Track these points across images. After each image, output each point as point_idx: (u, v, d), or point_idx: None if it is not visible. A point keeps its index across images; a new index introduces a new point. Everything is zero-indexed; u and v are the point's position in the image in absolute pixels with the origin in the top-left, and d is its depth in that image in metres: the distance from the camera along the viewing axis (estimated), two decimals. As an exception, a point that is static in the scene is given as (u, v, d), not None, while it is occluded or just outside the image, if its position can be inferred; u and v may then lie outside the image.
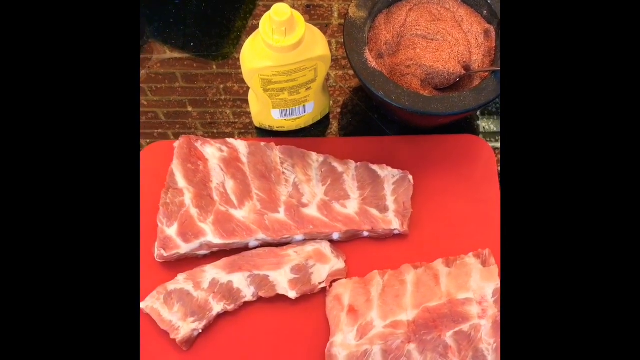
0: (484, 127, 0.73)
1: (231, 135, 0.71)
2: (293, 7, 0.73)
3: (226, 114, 0.72)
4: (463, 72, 0.65)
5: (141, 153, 0.68)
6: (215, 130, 0.72)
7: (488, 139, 0.72)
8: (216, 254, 0.64)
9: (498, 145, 0.72)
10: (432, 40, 0.65)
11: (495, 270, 0.61)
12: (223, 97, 0.73)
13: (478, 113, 0.74)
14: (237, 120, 0.72)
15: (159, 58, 0.75)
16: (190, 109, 0.73)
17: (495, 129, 0.73)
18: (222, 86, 0.74)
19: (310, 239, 0.64)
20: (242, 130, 0.72)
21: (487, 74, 0.64)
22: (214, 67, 0.75)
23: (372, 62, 0.63)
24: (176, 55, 0.75)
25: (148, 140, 0.71)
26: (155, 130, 0.71)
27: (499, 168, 0.70)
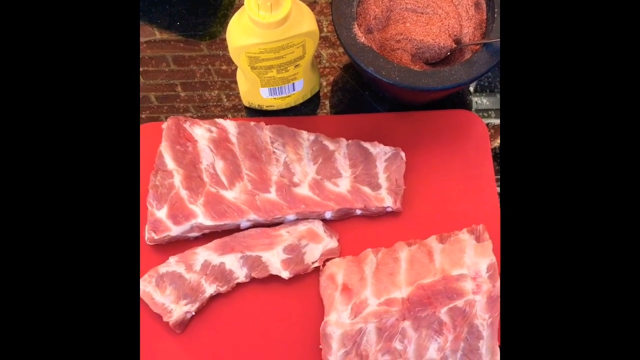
0: (476, 102, 0.72)
1: (220, 116, 0.70)
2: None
3: (215, 94, 0.71)
4: (454, 45, 0.64)
5: (129, 135, 0.67)
6: (204, 111, 0.71)
7: (481, 115, 0.71)
8: (207, 236, 0.63)
9: (491, 120, 0.71)
10: (422, 13, 0.64)
11: (489, 245, 0.61)
12: (211, 77, 0.72)
13: (471, 88, 0.73)
14: (226, 100, 0.71)
15: (145, 39, 0.73)
16: (178, 89, 0.71)
17: (488, 104, 0.72)
18: (210, 66, 0.73)
19: (302, 218, 0.63)
20: (232, 110, 0.71)
21: (478, 46, 0.63)
22: (202, 46, 0.73)
23: (361, 38, 0.61)
24: (162, 35, 0.74)
25: (136, 123, 0.70)
26: (144, 113, 0.70)
27: (493, 143, 0.69)
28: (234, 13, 0.72)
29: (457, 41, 0.65)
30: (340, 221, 0.64)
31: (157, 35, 0.74)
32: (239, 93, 0.70)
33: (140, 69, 0.72)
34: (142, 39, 0.73)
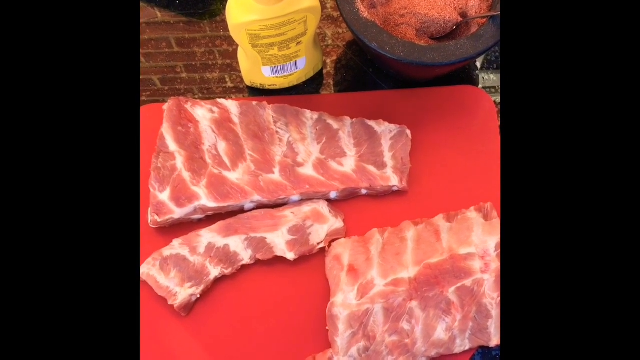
0: (483, 78, 0.70)
1: (222, 96, 0.69)
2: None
3: (216, 74, 0.70)
4: (460, 19, 0.62)
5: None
6: (205, 91, 0.69)
7: (488, 91, 0.70)
8: (211, 218, 0.62)
9: (499, 97, 0.70)
10: (427, -14, 0.62)
11: (497, 223, 0.60)
12: (212, 57, 0.71)
13: (477, 64, 0.71)
14: (227, 80, 0.70)
15: (145, 20, 0.72)
16: (178, 70, 0.70)
17: (495, 79, 0.70)
18: (211, 45, 0.71)
19: (307, 199, 0.62)
20: (234, 91, 0.69)
21: (484, 20, 0.61)
22: (202, 26, 0.72)
23: (365, 12, 0.60)
24: (162, 15, 0.72)
25: (137, 105, 0.69)
26: (145, 95, 0.69)
27: (500, 120, 0.68)
28: (233, -10, 0.70)
29: (463, 14, 0.63)
30: (346, 201, 0.63)
31: (158, 15, 0.72)
32: (240, 73, 0.69)
33: (141, 51, 0.71)
34: (141, 20, 0.72)
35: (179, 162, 0.61)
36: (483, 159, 0.65)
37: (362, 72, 0.70)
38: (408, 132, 0.64)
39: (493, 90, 0.70)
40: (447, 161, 0.65)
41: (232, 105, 0.64)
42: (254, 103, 0.64)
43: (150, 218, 0.60)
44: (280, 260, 0.60)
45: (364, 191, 0.63)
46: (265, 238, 0.60)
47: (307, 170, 0.62)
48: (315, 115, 0.64)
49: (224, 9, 0.73)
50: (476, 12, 0.62)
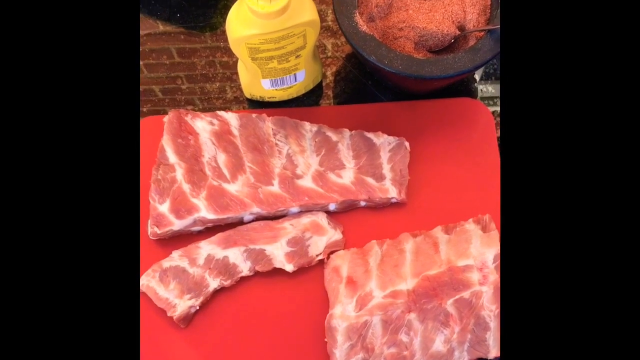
0: (481, 90, 0.71)
1: (222, 108, 0.69)
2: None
3: (216, 87, 0.71)
4: (458, 32, 0.63)
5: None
6: (205, 103, 0.70)
7: (487, 103, 0.70)
8: (211, 230, 0.62)
9: (497, 109, 0.70)
10: (425, 0, 0.63)
11: (496, 235, 0.60)
12: (212, 69, 0.71)
13: (476, 76, 0.72)
14: (228, 91, 0.70)
15: (146, 32, 0.73)
16: (178, 82, 0.71)
17: (493, 92, 0.71)
18: (211, 58, 0.72)
19: (306, 210, 0.63)
20: (234, 102, 0.70)
21: (482, 33, 0.62)
22: (202, 38, 0.73)
23: (363, 26, 0.60)
24: (163, 28, 0.73)
25: (137, 116, 0.69)
26: (146, 106, 0.70)
27: (499, 132, 0.68)
28: (234, 3, 0.71)
29: (461, 28, 0.63)
30: (344, 213, 0.64)
31: (159, 27, 0.73)
32: (240, 84, 0.69)
33: (142, 62, 0.71)
34: (142, 32, 0.73)
35: (179, 174, 0.61)
36: (481, 171, 0.65)
37: (361, 84, 0.71)
38: (407, 144, 0.64)
39: (491, 102, 0.70)
40: (446, 173, 0.65)
41: (231, 118, 0.64)
42: (254, 115, 0.64)
43: (150, 230, 0.61)
44: (279, 272, 0.60)
45: (362, 203, 0.63)
46: (265, 250, 0.60)
47: (306, 182, 0.62)
48: (315, 128, 0.65)
49: (225, 21, 0.73)
50: (474, 26, 0.63)
